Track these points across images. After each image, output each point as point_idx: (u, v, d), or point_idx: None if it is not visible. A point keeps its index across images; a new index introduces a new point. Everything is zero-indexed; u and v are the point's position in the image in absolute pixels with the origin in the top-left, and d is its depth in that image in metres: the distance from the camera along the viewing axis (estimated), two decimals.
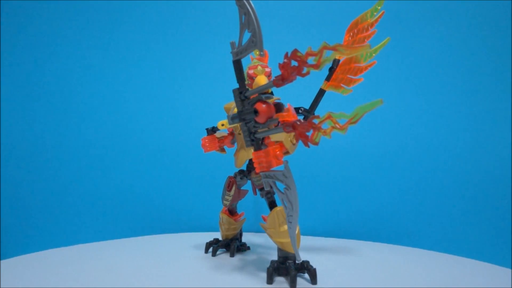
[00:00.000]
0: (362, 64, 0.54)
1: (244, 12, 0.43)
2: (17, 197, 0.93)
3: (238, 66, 0.47)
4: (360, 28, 0.55)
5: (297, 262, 0.49)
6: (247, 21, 0.42)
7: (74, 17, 0.96)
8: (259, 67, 0.56)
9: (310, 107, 0.59)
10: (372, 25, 0.54)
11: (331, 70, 0.57)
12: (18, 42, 0.96)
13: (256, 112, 0.44)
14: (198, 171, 0.91)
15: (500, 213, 0.80)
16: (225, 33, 0.90)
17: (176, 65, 0.95)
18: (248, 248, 0.69)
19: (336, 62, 0.57)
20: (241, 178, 0.62)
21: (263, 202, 0.55)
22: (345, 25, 0.56)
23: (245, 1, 0.42)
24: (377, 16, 0.53)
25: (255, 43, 0.42)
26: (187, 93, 0.94)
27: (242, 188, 0.64)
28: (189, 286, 0.46)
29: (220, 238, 0.68)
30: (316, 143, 0.39)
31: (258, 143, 0.47)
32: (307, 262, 0.50)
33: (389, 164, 0.86)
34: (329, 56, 0.35)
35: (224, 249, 0.67)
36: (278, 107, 0.45)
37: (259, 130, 0.47)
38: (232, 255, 0.63)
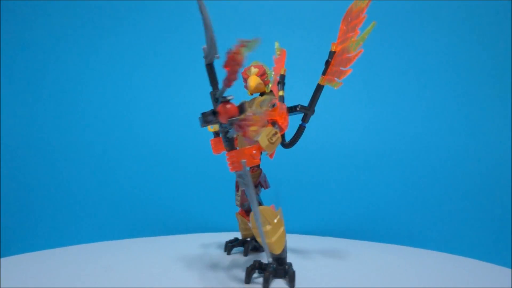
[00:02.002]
0: (351, 54, 0.49)
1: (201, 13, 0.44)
2: (18, 196, 0.92)
3: (210, 69, 0.48)
4: (353, 15, 0.51)
5: (268, 261, 0.48)
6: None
7: (74, 17, 0.97)
8: (252, 68, 0.56)
9: (309, 104, 0.56)
10: (363, 10, 0.49)
11: (327, 63, 0.54)
12: (18, 43, 0.96)
13: (214, 113, 0.44)
14: (208, 172, 0.90)
15: (500, 213, 0.79)
16: (227, 33, 0.90)
17: (178, 65, 0.95)
18: None
19: (331, 54, 0.54)
20: None
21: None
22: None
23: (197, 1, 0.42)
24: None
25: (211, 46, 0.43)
26: (190, 93, 0.93)
27: None
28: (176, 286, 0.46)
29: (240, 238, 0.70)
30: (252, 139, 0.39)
31: (231, 144, 0.48)
32: (290, 264, 0.49)
33: (387, 163, 0.83)
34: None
35: (242, 248, 0.68)
36: (241, 107, 0.45)
37: (230, 131, 0.47)
38: (245, 255, 0.64)
